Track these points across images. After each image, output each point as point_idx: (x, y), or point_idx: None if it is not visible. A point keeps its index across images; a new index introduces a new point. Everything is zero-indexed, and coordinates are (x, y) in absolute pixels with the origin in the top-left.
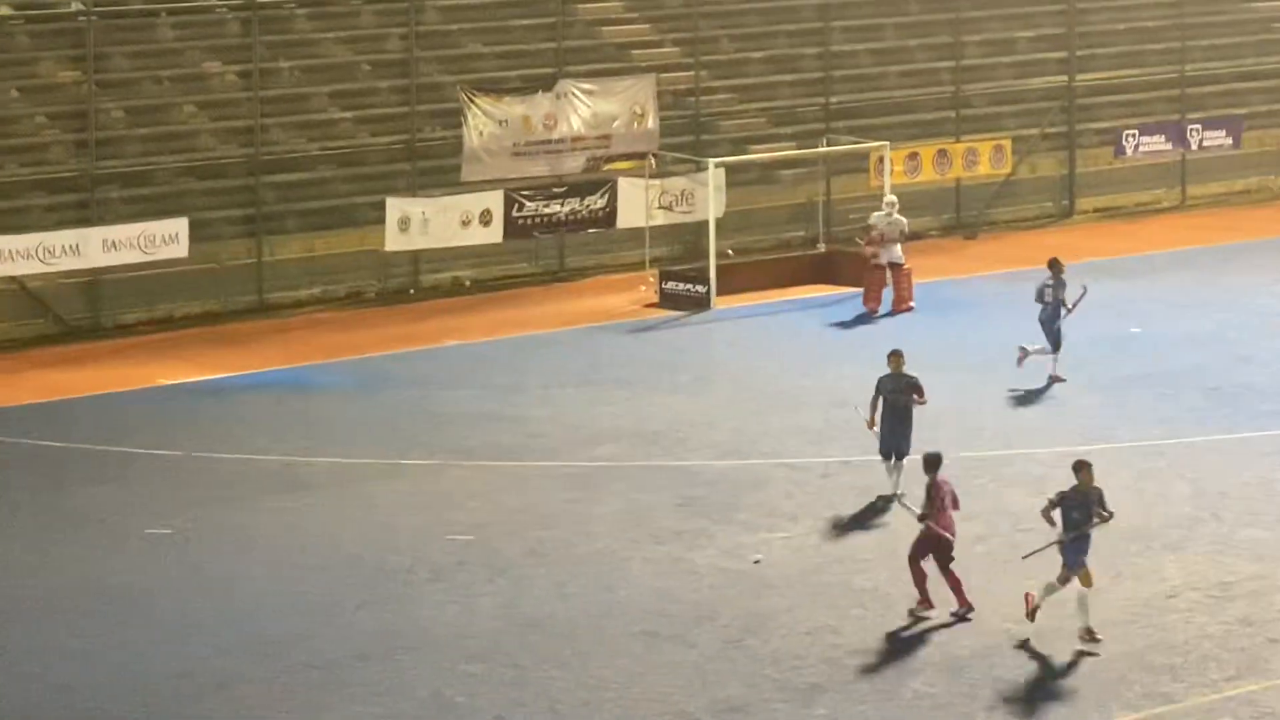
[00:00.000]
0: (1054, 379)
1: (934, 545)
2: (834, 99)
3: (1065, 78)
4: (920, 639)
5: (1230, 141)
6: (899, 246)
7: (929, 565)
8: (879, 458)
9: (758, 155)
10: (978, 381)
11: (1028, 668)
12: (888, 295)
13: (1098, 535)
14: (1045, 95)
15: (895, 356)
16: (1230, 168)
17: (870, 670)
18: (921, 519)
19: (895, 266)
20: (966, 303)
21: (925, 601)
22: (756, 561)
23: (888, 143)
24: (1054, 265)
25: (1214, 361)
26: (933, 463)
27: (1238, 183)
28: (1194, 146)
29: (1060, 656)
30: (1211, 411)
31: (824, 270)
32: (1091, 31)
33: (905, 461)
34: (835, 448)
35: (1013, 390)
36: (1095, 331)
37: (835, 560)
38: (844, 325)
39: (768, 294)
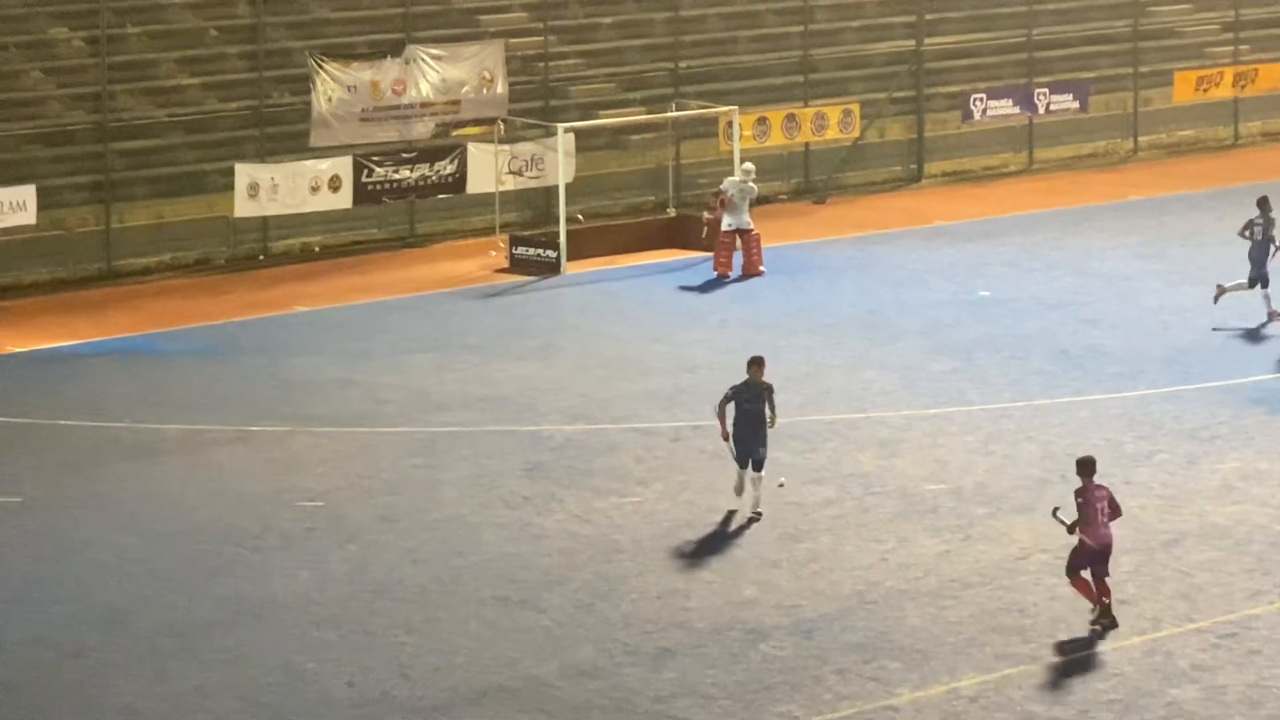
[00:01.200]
0: (1273, 315)
1: (1090, 556)
2: (683, 64)
3: (913, 42)
4: (770, 603)
5: (1077, 105)
6: (748, 213)
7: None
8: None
9: (607, 120)
10: (826, 344)
11: (877, 630)
12: (738, 260)
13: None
14: (893, 60)
15: (757, 365)
16: (1077, 131)
17: (720, 634)
18: (1071, 530)
19: (745, 232)
20: (816, 267)
21: (1102, 608)
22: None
23: (736, 107)
24: (1262, 203)
25: (1062, 325)
26: (1085, 467)
27: (1085, 146)
28: (1041, 110)
29: (911, 619)
30: (1060, 374)
31: (674, 235)
32: None
33: (763, 473)
34: (685, 412)
35: (863, 354)
36: (944, 295)
37: (685, 524)
38: (694, 290)
39: (618, 259)
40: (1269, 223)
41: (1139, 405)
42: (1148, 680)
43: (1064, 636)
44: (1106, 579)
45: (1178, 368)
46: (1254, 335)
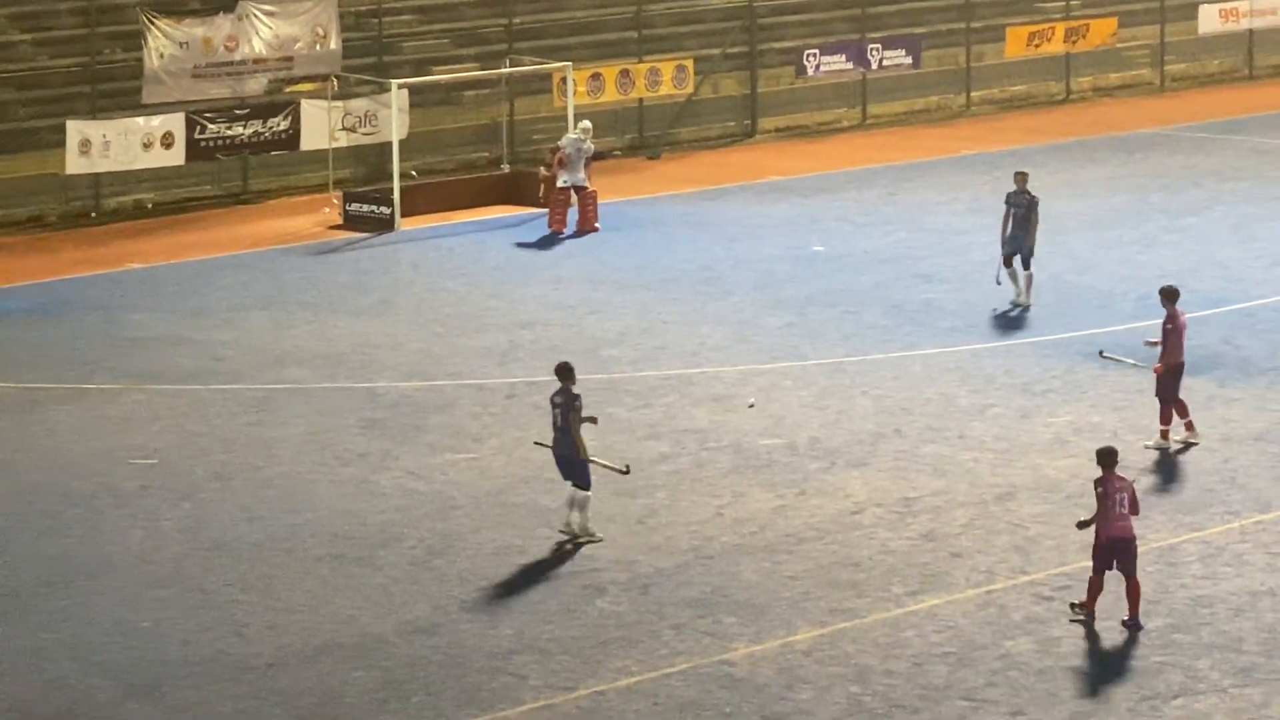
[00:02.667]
0: (1020, 302)
1: (1106, 551)
2: (517, 19)
3: None
4: (607, 559)
5: (910, 61)
6: (584, 171)
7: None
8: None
9: (441, 76)
10: (661, 300)
11: (713, 585)
12: (573, 216)
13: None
14: (727, 15)
15: (565, 373)
16: (910, 87)
17: (557, 589)
18: (1082, 525)
19: (580, 189)
20: (650, 222)
21: (1089, 608)
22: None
23: (570, 64)
24: (1020, 179)
25: (896, 279)
26: (1105, 458)
27: (918, 101)
28: (874, 66)
29: (746, 574)
30: (894, 329)
31: (509, 191)
32: None
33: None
34: (520, 368)
35: (698, 309)
36: (778, 250)
37: (521, 481)
38: (529, 246)
39: (452, 215)
40: (1030, 201)
41: (972, 359)
42: (981, 633)
43: (898, 590)
44: (1136, 579)
45: (1009, 321)
46: (1086, 290)
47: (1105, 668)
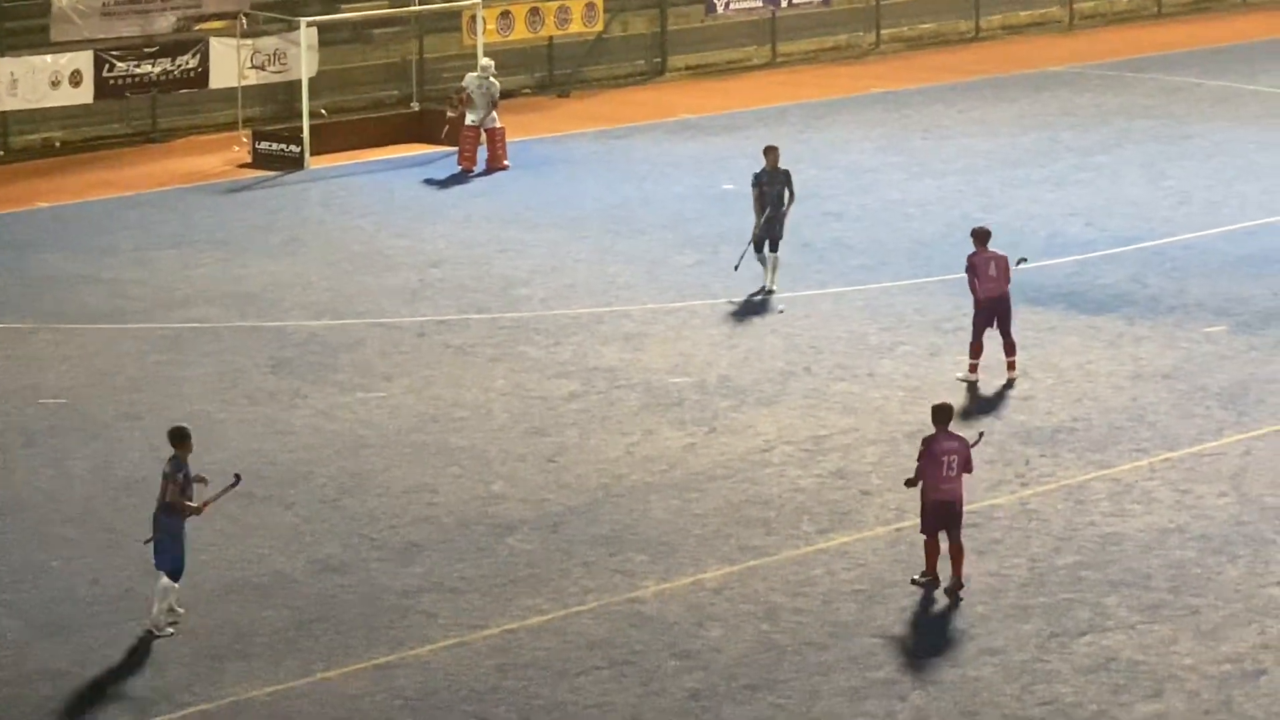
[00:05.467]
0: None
1: (938, 514)
2: None
3: None
4: (516, 497)
5: None
6: (491, 110)
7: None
8: (462, 315)
9: (350, 14)
10: (571, 238)
11: (623, 523)
12: (482, 154)
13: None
14: None
15: (179, 439)
16: (820, 25)
17: (467, 528)
18: (909, 483)
19: (489, 128)
20: (560, 160)
21: (931, 573)
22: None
23: (480, 1)
24: (770, 153)
25: (805, 218)
26: (939, 415)
27: (828, 40)
28: (784, 4)
29: (656, 512)
30: (804, 267)
31: (418, 130)
32: None
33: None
34: (430, 307)
35: (608, 248)
36: (688, 188)
37: (431, 419)
38: (439, 185)
39: (362, 154)
40: (784, 178)
41: (882, 297)
42: (891, 570)
43: (808, 528)
44: (960, 540)
45: (920, 260)
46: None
47: (1014, 605)
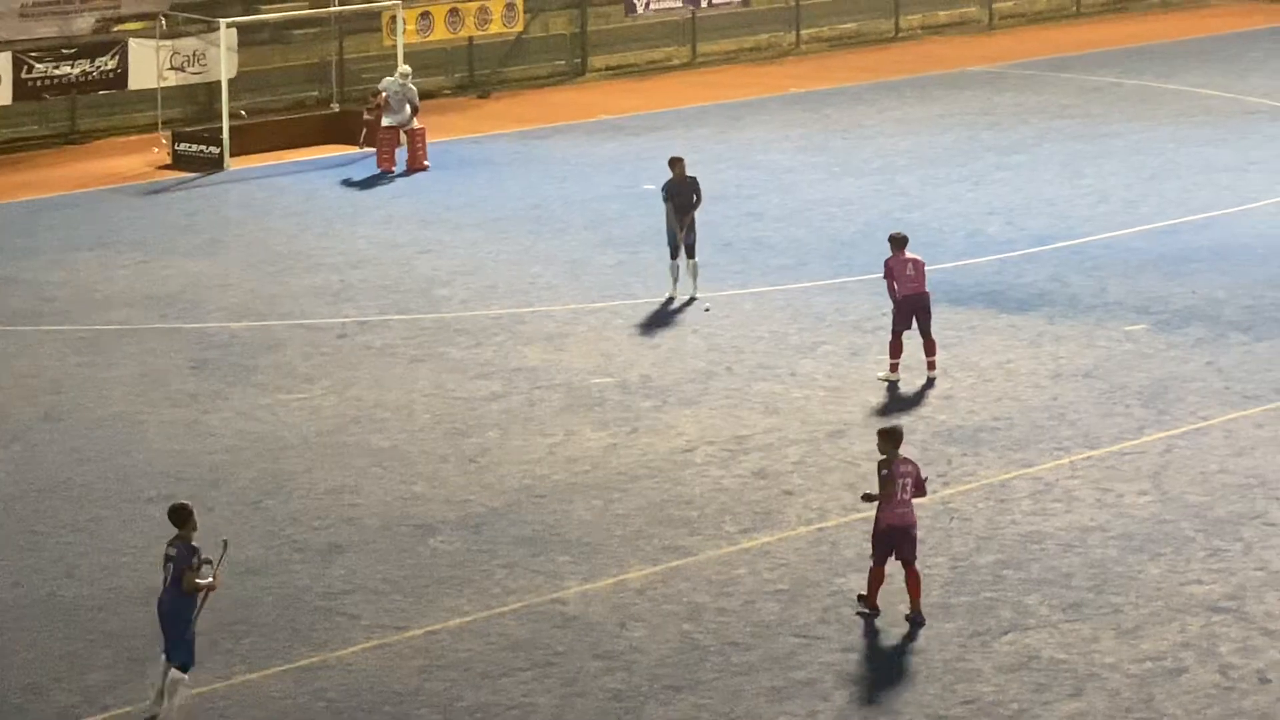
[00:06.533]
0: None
1: (891, 538)
2: None
3: None
4: (439, 498)
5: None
6: (407, 113)
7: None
8: (383, 317)
9: (269, 15)
10: (492, 239)
11: (545, 523)
12: (402, 155)
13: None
14: None
15: (182, 517)
16: (740, 25)
17: (389, 529)
18: (866, 498)
19: (409, 130)
20: (480, 161)
21: (872, 604)
22: (707, 309)
23: (400, 2)
24: (675, 164)
25: (726, 218)
26: (889, 439)
27: (748, 40)
28: (704, 4)
29: (579, 512)
30: (724, 267)
31: (338, 130)
32: None
33: None
34: (351, 308)
35: (529, 248)
36: (609, 189)
37: (352, 420)
38: (359, 186)
39: (282, 154)
40: (690, 187)
41: (802, 297)
42: (814, 570)
43: (730, 528)
44: (915, 567)
45: (840, 260)
46: (916, 228)
47: (936, 604)
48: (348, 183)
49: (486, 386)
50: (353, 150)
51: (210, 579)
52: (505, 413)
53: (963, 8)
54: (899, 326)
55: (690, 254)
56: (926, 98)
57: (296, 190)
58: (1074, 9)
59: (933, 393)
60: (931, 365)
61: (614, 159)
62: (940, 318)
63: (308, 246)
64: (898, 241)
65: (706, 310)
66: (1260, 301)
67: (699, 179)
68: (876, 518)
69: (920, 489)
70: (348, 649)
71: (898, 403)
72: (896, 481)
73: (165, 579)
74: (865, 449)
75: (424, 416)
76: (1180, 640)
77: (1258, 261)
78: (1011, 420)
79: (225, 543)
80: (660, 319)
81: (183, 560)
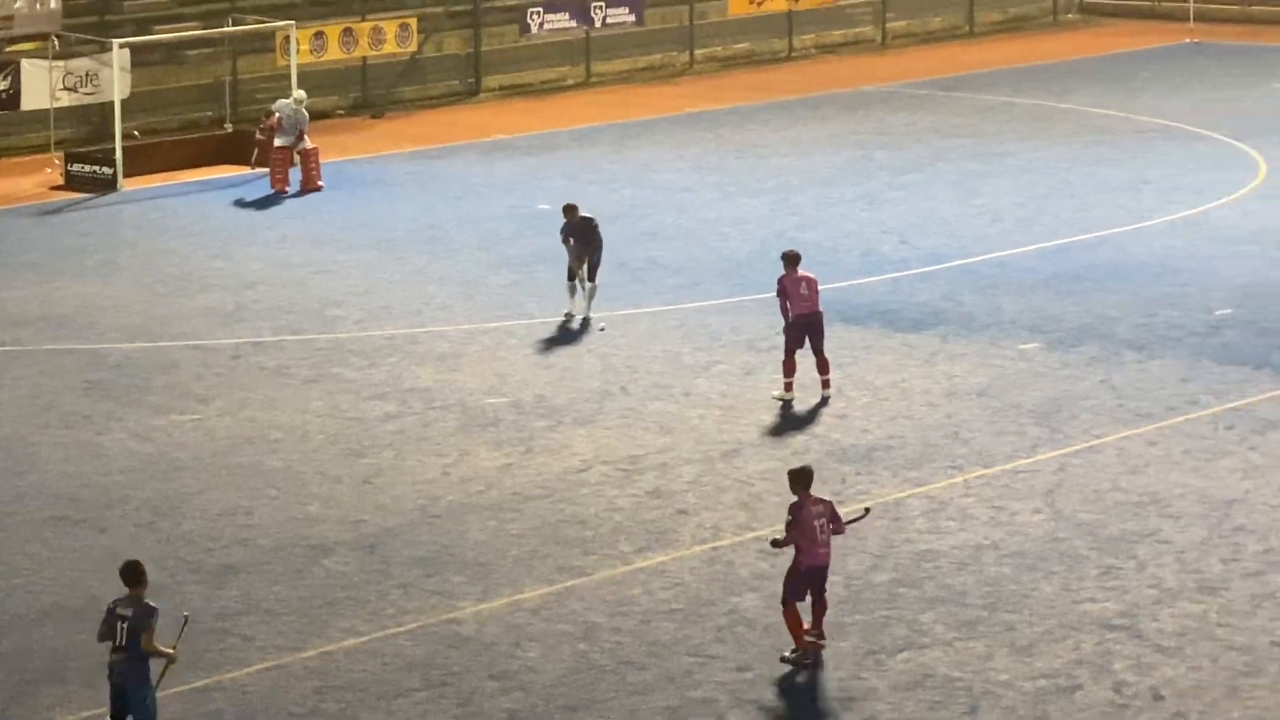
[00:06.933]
0: (577, 317)
1: (808, 579)
2: None
3: None
4: (333, 519)
5: (633, 19)
6: (298, 135)
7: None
8: (277, 337)
9: (163, 35)
10: (386, 259)
11: (440, 544)
12: (295, 175)
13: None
14: None
15: (134, 576)
16: (634, 45)
17: (283, 550)
18: (776, 544)
19: (302, 150)
20: (374, 181)
21: (803, 646)
22: (602, 329)
23: (293, 22)
24: (569, 210)
25: (620, 237)
26: (800, 479)
27: (641, 60)
28: (598, 24)
29: (473, 533)
30: (620, 287)
31: (232, 151)
32: None
33: None
34: (245, 329)
35: (423, 268)
36: (503, 208)
37: (246, 441)
38: (253, 206)
39: (176, 175)
40: (584, 227)
41: (697, 316)
42: (709, 589)
43: (625, 547)
44: (825, 596)
45: (735, 279)
46: (810, 247)
47: (831, 623)
48: (241, 203)
49: (381, 407)
50: (246, 171)
51: (171, 650)
52: (399, 433)
53: (856, 27)
54: (792, 346)
55: (591, 276)
56: (820, 117)
57: (190, 211)
58: (967, 29)
59: (827, 412)
60: (826, 384)
61: (508, 179)
62: (834, 337)
63: (201, 267)
64: (790, 259)
65: (602, 330)
66: (1153, 320)
67: (596, 220)
68: (796, 560)
69: (839, 525)
70: (242, 670)
71: (792, 422)
72: (813, 524)
73: (117, 641)
74: (760, 468)
75: (318, 437)
76: (1074, 658)
77: (1151, 279)
78: (905, 439)
79: (187, 618)
80: (555, 339)
81: (141, 621)
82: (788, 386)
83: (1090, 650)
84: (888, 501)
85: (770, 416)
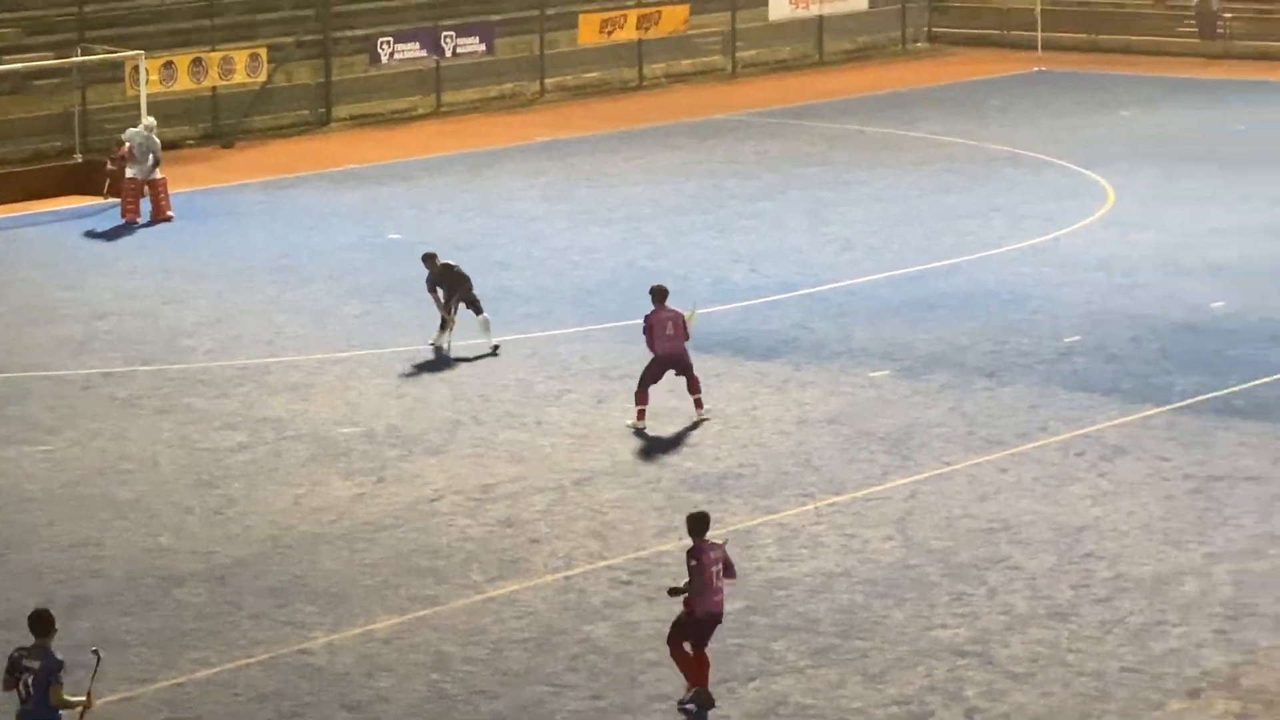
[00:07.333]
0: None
1: (698, 627)
2: (89, 8)
3: None
4: (184, 550)
5: (484, 48)
6: (150, 164)
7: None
8: (128, 368)
9: (11, 65)
10: (237, 289)
11: (292, 574)
12: (146, 206)
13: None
14: (300, 3)
15: (41, 625)
16: (484, 74)
17: (134, 581)
18: (673, 592)
19: (151, 180)
20: (225, 211)
21: (695, 682)
22: (495, 350)
23: (142, 52)
24: (429, 259)
25: (472, 267)
26: (697, 525)
27: (492, 89)
28: (448, 53)
29: (325, 563)
30: (471, 316)
31: (82, 181)
32: None
33: None
34: (96, 360)
35: (274, 298)
36: (354, 238)
37: (96, 473)
38: (103, 236)
39: (26, 205)
40: (444, 273)
41: (548, 345)
42: (561, 618)
43: (477, 577)
44: (706, 650)
45: (586, 308)
46: (661, 276)
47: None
48: (91, 234)
49: (232, 437)
50: (97, 201)
51: (84, 696)
52: (251, 463)
53: (706, 57)
54: (648, 381)
55: (477, 310)
56: (671, 146)
57: (40, 241)
58: (817, 58)
59: (679, 440)
60: (699, 404)
61: (360, 208)
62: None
63: (51, 298)
64: (658, 294)
65: (495, 350)
66: (1003, 347)
67: (456, 264)
68: (689, 607)
69: (730, 570)
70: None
71: (644, 450)
72: (710, 570)
73: (23, 694)
74: (611, 497)
75: (169, 468)
76: (926, 684)
77: (1000, 307)
78: (757, 467)
79: (97, 654)
80: (407, 368)
81: (49, 672)
82: (640, 414)
83: (942, 677)
84: (740, 529)
85: (622, 445)
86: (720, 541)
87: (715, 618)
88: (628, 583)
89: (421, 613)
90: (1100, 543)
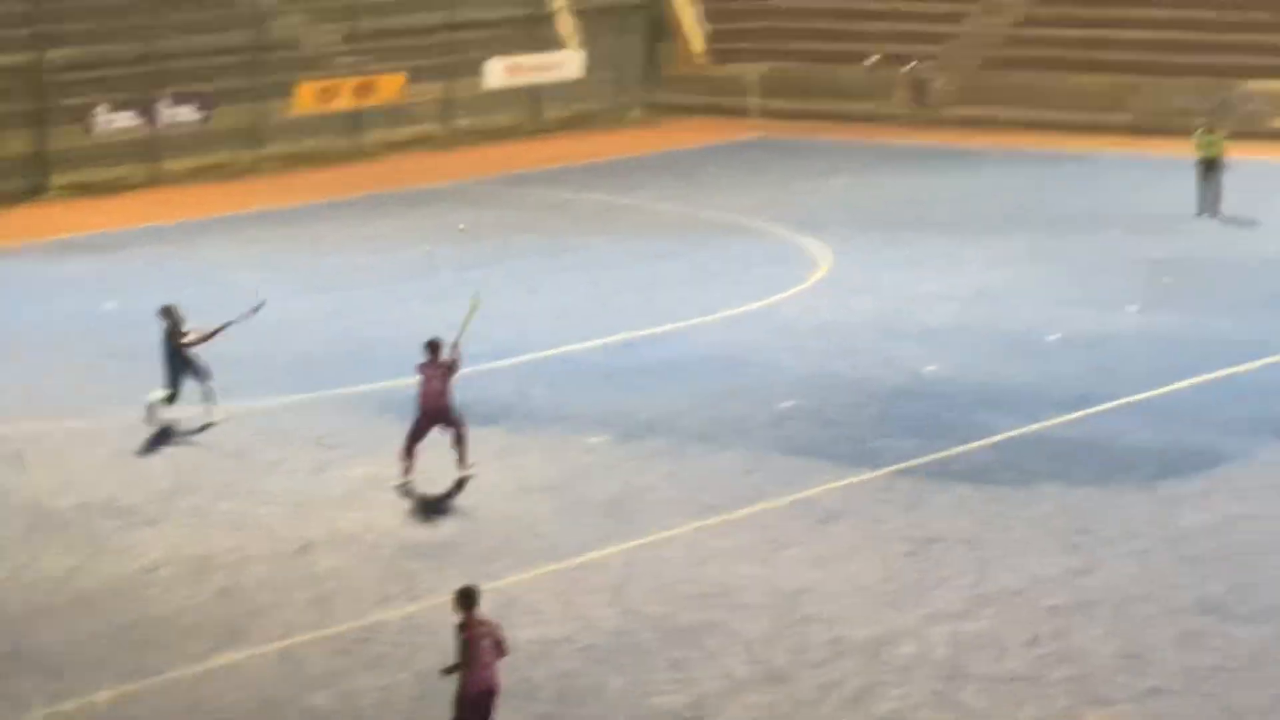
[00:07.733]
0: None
1: (474, 706)
2: None
3: (34, 54)
4: None
5: (200, 117)
6: None
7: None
8: None
9: None
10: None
11: (10, 647)
12: None
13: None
14: (12, 73)
15: None
16: (200, 143)
17: None
18: (448, 671)
19: None
20: None
21: None
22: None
23: None
24: (167, 312)
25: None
26: (465, 600)
27: (209, 158)
28: (164, 122)
29: (44, 635)
30: (191, 386)
31: None
32: (59, 8)
33: None
34: None
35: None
36: (70, 309)
37: None
38: None
39: None
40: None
41: (266, 415)
42: (281, 687)
43: (197, 647)
44: None
45: (304, 376)
46: (377, 343)
47: (408, 715)
48: None
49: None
50: None
51: None
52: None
53: (422, 124)
54: (416, 438)
55: (202, 378)
56: (385, 214)
57: None
58: (533, 126)
59: (398, 508)
60: (462, 459)
61: (75, 279)
62: (402, 432)
63: None
64: (432, 347)
65: (213, 422)
66: (720, 412)
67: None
68: (464, 685)
69: (501, 648)
70: None
71: (362, 518)
72: (478, 644)
73: None
74: (331, 565)
75: None
76: None
77: (717, 372)
78: (477, 533)
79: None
80: (124, 438)
81: None
82: (406, 470)
83: None
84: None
85: (341, 513)
86: (491, 618)
87: (489, 693)
88: (347, 651)
89: (144, 683)
90: (819, 606)
